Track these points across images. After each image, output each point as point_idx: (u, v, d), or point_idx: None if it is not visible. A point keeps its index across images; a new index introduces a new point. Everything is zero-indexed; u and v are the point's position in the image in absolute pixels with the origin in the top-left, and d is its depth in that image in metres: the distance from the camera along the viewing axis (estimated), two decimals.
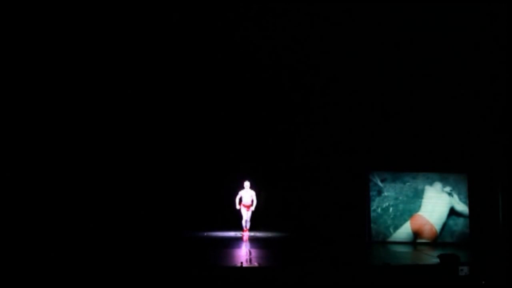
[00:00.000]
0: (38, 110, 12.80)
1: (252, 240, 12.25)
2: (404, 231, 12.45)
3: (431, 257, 9.93)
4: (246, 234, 12.65)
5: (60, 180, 13.04)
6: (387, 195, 12.69)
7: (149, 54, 13.14)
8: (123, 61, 13.10)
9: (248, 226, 12.77)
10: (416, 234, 12.43)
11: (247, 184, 12.67)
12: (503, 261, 9.58)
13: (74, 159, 13.30)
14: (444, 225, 12.40)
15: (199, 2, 12.40)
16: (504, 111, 12.12)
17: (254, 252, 10.42)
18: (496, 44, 12.00)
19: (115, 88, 13.38)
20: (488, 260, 9.90)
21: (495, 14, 11.79)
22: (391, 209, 12.61)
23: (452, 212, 12.46)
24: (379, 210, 12.61)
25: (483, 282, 8.03)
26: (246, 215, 12.66)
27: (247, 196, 12.64)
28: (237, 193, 12.73)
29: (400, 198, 12.64)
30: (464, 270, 8.33)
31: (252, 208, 12.65)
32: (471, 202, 12.37)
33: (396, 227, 12.51)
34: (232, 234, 12.77)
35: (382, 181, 12.75)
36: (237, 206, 12.63)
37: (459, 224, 12.39)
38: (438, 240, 12.32)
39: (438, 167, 12.64)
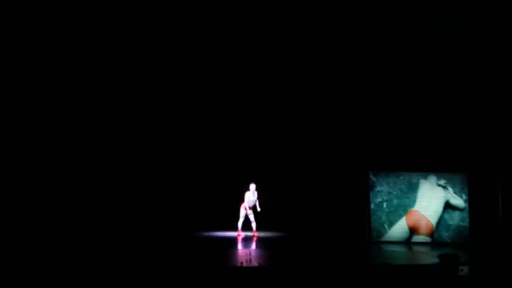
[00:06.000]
0: (38, 111, 12.82)
1: (252, 240, 12.26)
2: (399, 228, 12.35)
3: (431, 257, 9.93)
4: (242, 234, 12.63)
5: (63, 180, 13.05)
6: (380, 190, 12.55)
7: (153, 56, 13.18)
8: (126, 62, 13.13)
9: (255, 227, 12.72)
10: (412, 230, 12.34)
11: (253, 186, 12.63)
12: (503, 261, 9.59)
13: (86, 159, 13.37)
14: (440, 220, 12.33)
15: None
16: (503, 110, 12.15)
17: (254, 252, 10.42)
18: (496, 43, 12.01)
19: (120, 89, 13.40)
20: (488, 260, 9.91)
21: (495, 14, 11.80)
22: (385, 204, 12.48)
23: (448, 205, 12.39)
24: (372, 205, 12.49)
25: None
26: (249, 216, 12.59)
27: (252, 198, 12.60)
28: (242, 195, 12.61)
29: (394, 192, 12.52)
30: (464, 270, 8.31)
31: (258, 209, 12.62)
32: (470, 201, 12.33)
33: (391, 224, 12.41)
34: (234, 234, 12.76)
35: (375, 175, 12.63)
36: (248, 211, 12.58)
37: (455, 218, 12.30)
38: (434, 235, 12.27)
39: (438, 167, 12.62)
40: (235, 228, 12.76)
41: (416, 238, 12.31)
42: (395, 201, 12.50)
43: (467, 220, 12.23)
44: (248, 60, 13.40)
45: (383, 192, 12.57)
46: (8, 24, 11.83)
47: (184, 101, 13.96)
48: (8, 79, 12.21)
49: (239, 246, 11.49)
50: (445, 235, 12.28)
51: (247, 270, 8.34)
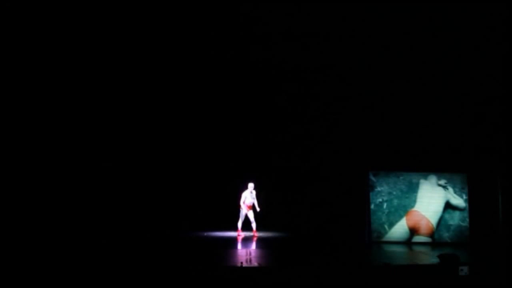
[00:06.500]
0: (38, 110, 12.82)
1: (252, 240, 12.26)
2: (399, 228, 12.32)
3: (431, 257, 9.92)
4: (242, 234, 12.62)
5: (63, 181, 13.06)
6: (380, 190, 12.50)
7: (153, 56, 13.20)
8: (126, 62, 13.15)
9: (254, 227, 12.72)
10: (413, 230, 12.30)
11: (251, 185, 12.65)
12: (503, 261, 9.58)
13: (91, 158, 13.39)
14: (440, 220, 12.29)
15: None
16: (504, 110, 12.15)
17: (254, 252, 10.42)
18: (496, 44, 12.01)
19: (120, 89, 13.42)
20: (488, 260, 9.90)
21: (495, 14, 11.80)
22: (385, 204, 12.43)
23: (448, 206, 12.35)
24: (372, 206, 12.44)
25: None
26: (248, 215, 12.58)
27: (250, 197, 12.60)
28: (240, 195, 12.63)
29: (394, 193, 12.47)
30: (464, 270, 8.31)
31: (257, 209, 12.61)
32: (470, 201, 12.31)
33: (392, 224, 12.37)
34: (234, 234, 12.74)
35: (375, 175, 12.58)
36: (245, 210, 12.59)
37: (455, 218, 12.27)
38: (435, 235, 12.24)
39: (438, 167, 12.59)
40: (235, 228, 12.76)
41: (417, 239, 12.28)
42: (395, 202, 12.47)
43: (467, 220, 12.21)
44: (247, 59, 13.40)
45: (383, 192, 12.54)
46: (8, 24, 11.84)
47: (184, 101, 13.97)
48: (8, 79, 12.21)
49: (239, 246, 11.48)
50: (446, 235, 12.26)
51: (247, 270, 8.34)
